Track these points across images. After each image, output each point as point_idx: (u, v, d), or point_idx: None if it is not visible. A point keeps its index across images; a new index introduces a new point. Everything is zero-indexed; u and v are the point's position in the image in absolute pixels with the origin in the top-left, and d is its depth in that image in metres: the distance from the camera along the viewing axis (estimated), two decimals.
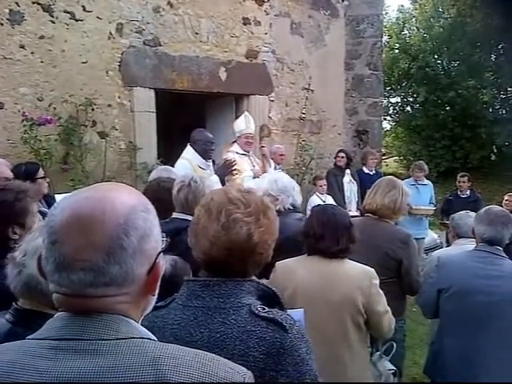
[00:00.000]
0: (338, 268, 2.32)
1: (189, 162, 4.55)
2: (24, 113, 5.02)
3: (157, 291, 1.00)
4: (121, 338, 0.87)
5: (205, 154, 4.68)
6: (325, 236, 2.31)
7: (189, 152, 4.66)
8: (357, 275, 2.30)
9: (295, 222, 2.79)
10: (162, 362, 0.84)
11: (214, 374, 0.86)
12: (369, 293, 2.27)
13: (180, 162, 4.59)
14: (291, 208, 3.02)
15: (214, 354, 0.93)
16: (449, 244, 3.78)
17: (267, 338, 1.26)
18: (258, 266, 1.43)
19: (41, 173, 3.81)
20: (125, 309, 0.91)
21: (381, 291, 2.34)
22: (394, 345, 2.61)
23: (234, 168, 4.64)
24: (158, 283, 0.98)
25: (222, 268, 1.37)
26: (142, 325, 0.97)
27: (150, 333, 0.95)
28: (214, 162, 4.92)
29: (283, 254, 2.24)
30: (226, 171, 4.60)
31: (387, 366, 2.59)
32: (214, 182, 4.39)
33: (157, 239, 0.96)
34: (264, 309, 1.31)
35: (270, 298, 1.41)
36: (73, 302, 0.89)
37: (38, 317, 1.39)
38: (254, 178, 4.98)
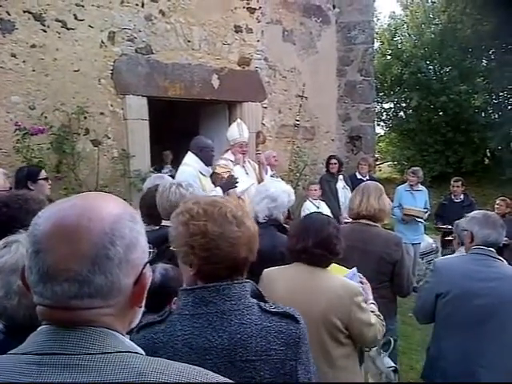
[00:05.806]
0: (319, 283, 2.21)
1: (193, 168, 4.55)
2: (17, 122, 5.01)
3: (143, 303, 0.97)
4: (106, 353, 0.84)
5: (209, 160, 4.70)
6: (295, 236, 2.31)
7: (191, 159, 4.65)
8: (337, 292, 2.18)
9: None
10: (147, 377, 0.81)
11: None
12: (348, 310, 2.16)
13: (183, 169, 4.57)
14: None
15: (203, 368, 0.89)
16: (449, 251, 3.76)
17: (283, 330, 1.35)
18: (247, 264, 1.46)
19: (43, 174, 3.89)
20: (110, 321, 0.88)
21: (364, 305, 2.22)
22: (392, 340, 2.56)
23: (237, 183, 4.65)
24: (145, 295, 0.95)
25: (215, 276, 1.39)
26: (138, 344, 0.94)
27: (137, 347, 0.92)
28: None
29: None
30: (230, 186, 4.61)
31: (387, 362, 2.51)
32: (218, 193, 4.40)
33: (143, 249, 0.94)
34: (271, 305, 1.39)
35: (260, 297, 1.45)
36: (56, 315, 0.86)
37: (30, 328, 1.36)
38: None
